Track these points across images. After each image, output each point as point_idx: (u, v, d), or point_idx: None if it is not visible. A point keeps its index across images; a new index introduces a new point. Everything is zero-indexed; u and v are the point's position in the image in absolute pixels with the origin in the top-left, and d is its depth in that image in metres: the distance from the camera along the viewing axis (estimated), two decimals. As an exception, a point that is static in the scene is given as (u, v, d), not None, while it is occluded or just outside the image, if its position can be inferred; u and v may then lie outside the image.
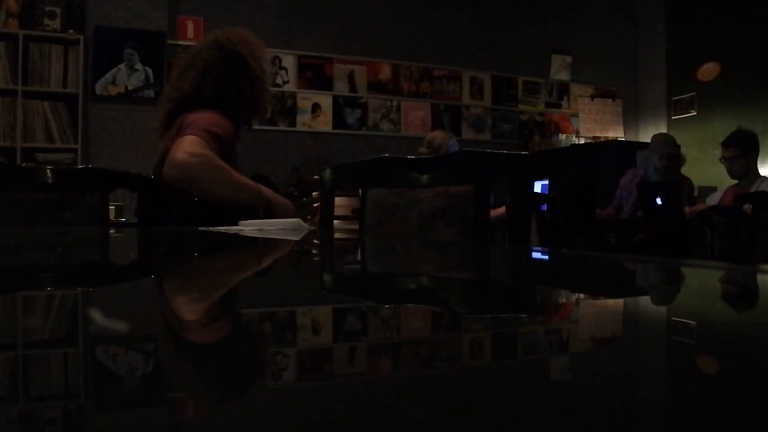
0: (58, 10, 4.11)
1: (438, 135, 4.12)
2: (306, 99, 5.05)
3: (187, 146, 1.56)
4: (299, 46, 5.02)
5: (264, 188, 1.73)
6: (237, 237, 1.23)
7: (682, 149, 3.81)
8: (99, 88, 4.22)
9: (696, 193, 4.01)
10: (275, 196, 1.77)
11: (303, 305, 0.45)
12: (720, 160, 3.52)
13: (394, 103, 5.34)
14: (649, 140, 5.43)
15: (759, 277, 0.61)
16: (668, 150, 3.62)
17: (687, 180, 3.79)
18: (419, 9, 5.40)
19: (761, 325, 0.37)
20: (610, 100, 6.11)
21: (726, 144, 3.46)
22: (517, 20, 5.75)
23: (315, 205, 1.88)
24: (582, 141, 5.91)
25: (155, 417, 0.20)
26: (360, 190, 1.63)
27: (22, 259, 0.81)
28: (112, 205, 2.11)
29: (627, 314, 0.44)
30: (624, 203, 3.84)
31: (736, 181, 3.47)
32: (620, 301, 0.50)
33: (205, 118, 1.65)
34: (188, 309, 0.42)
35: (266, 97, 1.84)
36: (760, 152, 3.51)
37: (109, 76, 4.25)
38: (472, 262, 0.85)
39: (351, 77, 5.21)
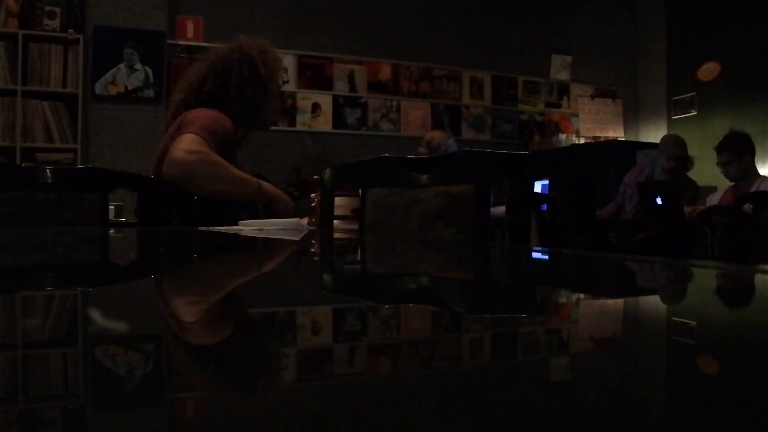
0: (57, 9, 4.11)
1: (436, 135, 4.12)
2: (306, 99, 5.05)
3: (185, 144, 1.57)
4: (299, 46, 5.02)
5: (263, 182, 1.74)
6: (237, 237, 1.23)
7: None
8: (99, 87, 4.22)
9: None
10: (275, 189, 1.78)
11: (303, 305, 0.45)
12: (716, 164, 3.52)
13: (394, 103, 5.34)
14: (649, 140, 5.46)
15: (759, 277, 0.61)
16: (676, 152, 3.62)
17: (692, 182, 3.78)
18: (419, 9, 5.40)
19: (761, 325, 0.37)
20: (610, 100, 6.11)
21: (719, 149, 3.45)
22: (517, 20, 5.75)
23: (312, 204, 1.88)
24: (582, 141, 5.90)
25: (155, 417, 0.20)
26: (360, 190, 1.63)
27: (22, 259, 0.80)
28: (111, 205, 2.11)
29: (627, 314, 0.44)
30: (627, 201, 3.84)
31: (736, 182, 3.47)
32: (620, 302, 0.50)
33: (204, 116, 1.66)
34: (188, 309, 0.42)
35: (268, 107, 1.86)
36: (760, 152, 3.50)
37: (108, 75, 4.25)
38: (472, 262, 0.85)
39: (351, 77, 5.21)
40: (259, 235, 1.26)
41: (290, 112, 4.98)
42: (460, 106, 5.56)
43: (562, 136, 5.91)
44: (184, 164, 1.56)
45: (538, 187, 4.37)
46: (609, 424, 0.18)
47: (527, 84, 5.82)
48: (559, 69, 5.95)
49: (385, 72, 5.31)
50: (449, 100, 5.53)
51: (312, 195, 1.94)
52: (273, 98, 1.86)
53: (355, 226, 1.73)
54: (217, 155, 1.61)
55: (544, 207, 3.44)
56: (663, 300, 0.50)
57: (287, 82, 4.91)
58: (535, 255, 1.04)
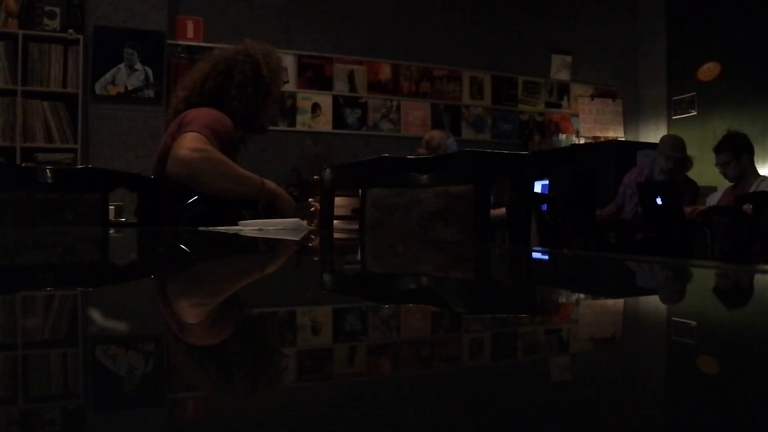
0: (57, 9, 4.11)
1: (436, 135, 4.12)
2: (306, 99, 5.05)
3: (189, 142, 1.58)
4: (299, 46, 5.02)
5: (266, 180, 1.75)
6: (237, 237, 1.23)
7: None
8: (98, 88, 4.22)
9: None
10: (278, 188, 1.79)
11: (303, 305, 0.45)
12: (715, 165, 3.52)
13: (394, 103, 5.34)
14: (649, 140, 5.45)
15: (759, 277, 0.61)
16: (674, 153, 3.62)
17: (692, 182, 3.78)
18: (419, 9, 5.40)
19: (761, 325, 0.37)
20: (610, 100, 6.11)
21: (717, 150, 3.45)
22: (517, 20, 5.75)
23: (311, 209, 1.89)
24: (582, 141, 5.90)
25: (155, 417, 0.20)
26: (360, 190, 1.63)
27: (22, 259, 0.80)
28: (112, 205, 2.11)
29: (627, 314, 0.44)
30: (627, 201, 3.84)
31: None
32: (620, 302, 0.50)
33: (205, 115, 1.67)
34: (187, 310, 0.42)
35: (268, 110, 1.87)
36: (760, 152, 3.50)
37: (108, 76, 4.24)
38: (472, 262, 0.85)
39: (351, 77, 5.21)
40: (259, 235, 1.26)
41: (290, 112, 4.98)
42: (460, 106, 5.56)
43: (562, 136, 5.91)
44: (189, 162, 1.57)
45: (538, 187, 4.37)
46: (609, 424, 0.18)
47: (527, 84, 5.82)
48: (559, 69, 5.95)
49: (385, 72, 5.31)
50: (449, 100, 5.53)
51: (311, 200, 1.95)
52: (273, 101, 1.87)
53: (355, 226, 1.73)
54: (220, 153, 1.62)
55: (544, 207, 3.44)
56: (663, 300, 0.50)
57: (287, 82, 4.91)
58: (535, 255, 1.04)
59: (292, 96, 4.99)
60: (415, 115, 5.41)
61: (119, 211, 2.89)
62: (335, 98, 5.15)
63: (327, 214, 1.66)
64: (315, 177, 4.08)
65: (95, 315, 0.39)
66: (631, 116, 6.21)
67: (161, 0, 4.40)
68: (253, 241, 1.15)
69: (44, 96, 4.03)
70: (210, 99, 1.75)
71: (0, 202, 1.65)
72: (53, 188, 1.68)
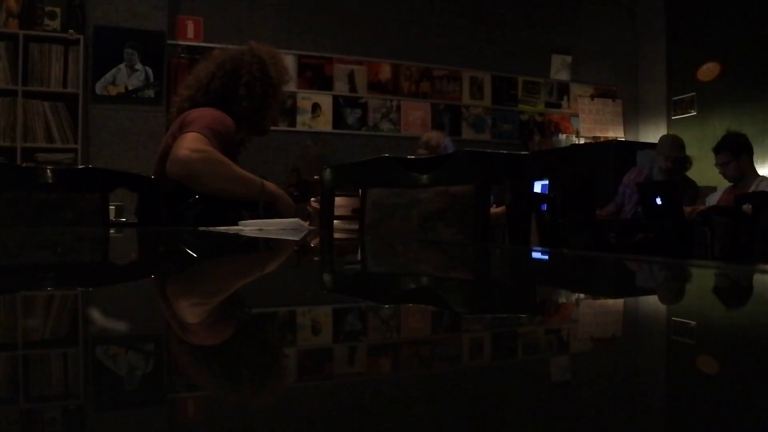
0: (58, 10, 4.11)
1: (434, 135, 4.12)
2: (306, 99, 5.05)
3: (189, 143, 1.58)
4: (299, 46, 5.02)
5: (267, 182, 1.75)
6: (237, 237, 1.23)
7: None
8: (99, 88, 4.22)
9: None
10: (278, 189, 1.79)
11: (303, 305, 0.45)
12: (715, 165, 3.53)
13: (394, 103, 5.34)
14: (649, 140, 5.46)
15: (759, 277, 0.61)
16: (673, 153, 3.62)
17: (691, 182, 3.78)
18: (419, 9, 5.40)
19: (761, 325, 0.37)
20: (610, 100, 6.11)
21: (717, 150, 3.47)
22: (517, 20, 5.75)
23: (311, 206, 1.89)
24: (582, 141, 5.90)
25: (155, 417, 0.20)
26: (360, 190, 1.63)
27: (22, 259, 0.80)
28: (112, 205, 2.11)
29: (627, 314, 0.44)
30: (626, 201, 3.85)
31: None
32: (620, 302, 0.50)
33: (206, 115, 1.66)
34: (187, 309, 0.42)
35: (273, 111, 1.87)
36: (760, 152, 3.51)
37: (109, 76, 4.25)
38: (472, 262, 0.85)
39: (351, 77, 5.21)
40: (259, 235, 1.26)
41: (290, 112, 4.98)
42: (460, 106, 5.56)
43: (562, 136, 5.91)
44: (189, 162, 1.57)
45: (538, 187, 4.37)
46: (609, 424, 0.18)
47: (527, 84, 5.82)
48: (559, 69, 5.95)
49: (385, 72, 5.31)
50: (449, 100, 5.53)
51: (312, 200, 1.95)
52: (278, 102, 1.88)
53: (355, 226, 1.73)
54: (220, 154, 1.62)
55: (544, 207, 3.44)
56: (663, 300, 0.50)
57: (287, 82, 4.91)
58: (535, 255, 1.04)
59: (292, 96, 4.99)
60: (415, 115, 5.41)
61: (119, 211, 2.89)
62: (335, 98, 5.15)
63: (327, 214, 1.66)
64: (315, 177, 4.08)
65: (95, 315, 0.39)
66: (631, 116, 6.21)
67: (161, 0, 4.40)
68: (253, 241, 1.15)
69: (45, 96, 4.03)
70: (216, 99, 1.75)
71: (0, 202, 1.65)
72: (54, 188, 1.68)
